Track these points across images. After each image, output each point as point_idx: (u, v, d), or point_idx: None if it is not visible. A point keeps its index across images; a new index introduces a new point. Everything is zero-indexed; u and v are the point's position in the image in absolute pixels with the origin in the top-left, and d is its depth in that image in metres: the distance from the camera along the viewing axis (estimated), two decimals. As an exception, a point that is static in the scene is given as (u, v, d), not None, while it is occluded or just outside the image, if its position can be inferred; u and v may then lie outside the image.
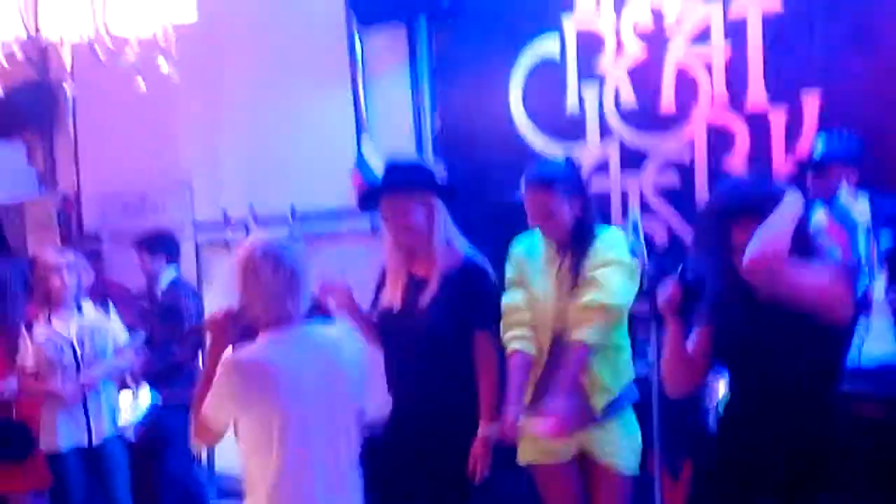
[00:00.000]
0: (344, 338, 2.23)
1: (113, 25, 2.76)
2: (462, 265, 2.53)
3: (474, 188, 3.97)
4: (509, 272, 2.65)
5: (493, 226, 3.44)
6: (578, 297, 2.46)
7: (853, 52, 3.18)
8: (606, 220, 3.65)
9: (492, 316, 2.53)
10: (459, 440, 2.48)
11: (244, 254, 2.10)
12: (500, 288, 2.62)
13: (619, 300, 2.47)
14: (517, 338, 2.54)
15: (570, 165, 2.68)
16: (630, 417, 2.61)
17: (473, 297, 2.50)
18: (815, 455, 2.07)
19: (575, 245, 2.51)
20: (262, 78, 4.69)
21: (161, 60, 2.80)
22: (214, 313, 2.20)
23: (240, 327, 2.15)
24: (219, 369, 2.07)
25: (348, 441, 2.17)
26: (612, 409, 2.52)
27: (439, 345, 2.48)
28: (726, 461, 2.19)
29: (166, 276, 4.33)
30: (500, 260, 3.10)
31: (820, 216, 2.95)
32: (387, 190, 2.58)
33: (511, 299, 2.59)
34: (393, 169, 2.64)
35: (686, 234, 3.50)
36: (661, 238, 3.58)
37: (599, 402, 2.50)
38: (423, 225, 2.52)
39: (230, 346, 2.16)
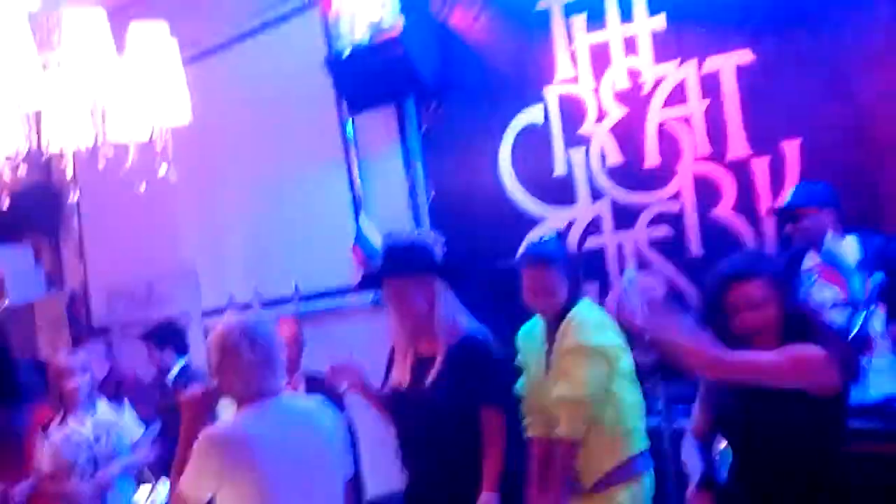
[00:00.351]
0: (319, 408, 2.31)
1: (112, 133, 2.87)
2: (462, 341, 2.57)
3: (469, 255, 4.06)
4: (519, 356, 2.78)
5: (489, 292, 3.53)
6: (552, 389, 2.55)
7: (829, 100, 3.29)
8: (603, 277, 3.76)
9: (495, 390, 2.57)
10: None
11: (222, 332, 2.18)
12: (503, 360, 2.67)
13: (584, 391, 2.51)
14: (528, 424, 2.67)
15: (563, 243, 2.77)
16: (634, 490, 2.58)
17: (475, 373, 2.54)
18: None
19: (558, 324, 2.60)
20: (259, 166, 4.84)
21: (160, 164, 2.89)
22: (193, 391, 2.28)
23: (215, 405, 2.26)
24: (196, 445, 2.11)
25: None
26: (604, 484, 2.53)
27: (445, 421, 2.52)
28: None
29: (176, 366, 4.39)
30: (496, 327, 3.18)
31: (809, 261, 3.03)
32: (386, 274, 2.64)
33: (518, 385, 2.73)
34: (391, 252, 2.71)
35: (682, 283, 3.56)
36: (659, 290, 3.64)
37: (589, 481, 2.54)
38: (424, 306, 2.58)
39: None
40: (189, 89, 2.94)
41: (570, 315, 2.58)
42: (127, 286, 5.54)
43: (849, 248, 3.00)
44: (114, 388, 4.17)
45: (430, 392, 2.54)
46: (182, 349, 4.45)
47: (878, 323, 2.93)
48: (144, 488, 3.88)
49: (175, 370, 4.40)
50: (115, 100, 2.81)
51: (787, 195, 3.11)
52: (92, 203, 5.70)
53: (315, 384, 3.60)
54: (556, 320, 2.61)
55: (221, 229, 5.06)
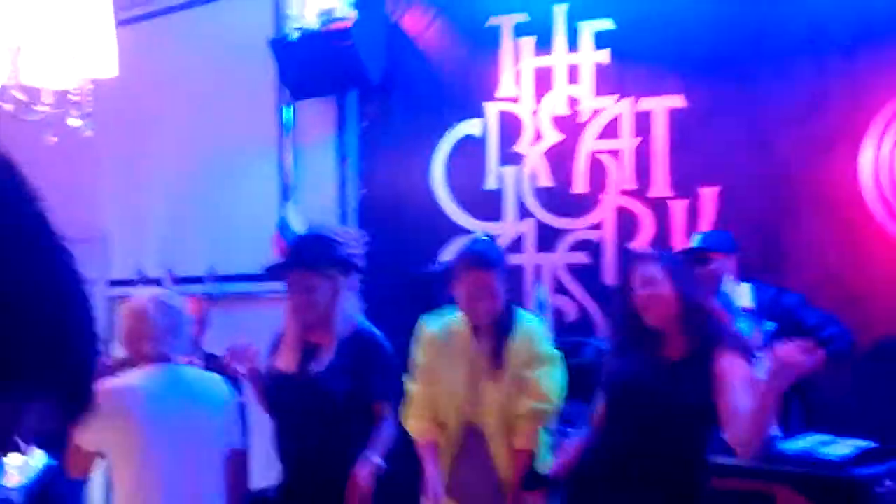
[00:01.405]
0: (212, 380, 2.50)
1: (27, 74, 2.71)
2: (357, 333, 2.58)
3: (394, 258, 4.09)
4: (419, 355, 2.67)
5: (411, 296, 3.56)
6: (518, 404, 2.51)
7: (749, 152, 3.48)
8: (518, 296, 3.84)
9: (390, 385, 2.58)
10: None
11: (136, 302, 2.41)
12: (398, 360, 2.67)
13: (557, 402, 2.57)
14: (421, 428, 2.63)
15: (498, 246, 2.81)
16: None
17: (370, 366, 2.54)
18: None
19: (497, 330, 2.56)
20: (188, 139, 4.72)
21: (73, 114, 2.78)
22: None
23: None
24: None
25: (209, 478, 2.39)
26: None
27: (332, 410, 2.51)
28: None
29: None
30: (398, 330, 3.21)
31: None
32: (294, 265, 2.64)
33: (416, 388, 2.66)
34: (299, 244, 2.71)
35: (593, 310, 3.68)
36: (570, 314, 3.75)
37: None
38: (327, 300, 2.58)
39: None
40: (128, 49, 2.85)
41: (518, 322, 2.58)
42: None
43: (743, 295, 3.17)
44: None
45: (318, 378, 2.53)
46: None
47: (761, 371, 3.10)
48: (15, 456, 3.72)
49: None
50: (35, 39, 2.65)
51: (695, 238, 3.25)
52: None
53: (214, 364, 3.55)
54: (492, 327, 2.56)
55: (140, 199, 4.92)
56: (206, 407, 2.41)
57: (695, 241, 3.21)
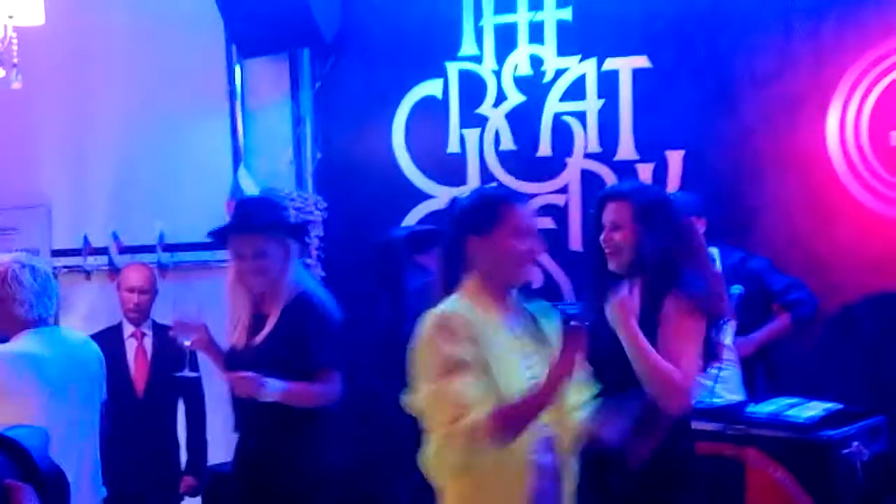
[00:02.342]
0: (87, 340, 2.66)
1: None
2: (297, 298, 2.45)
3: (353, 223, 3.97)
4: (461, 348, 1.80)
5: (374, 263, 3.45)
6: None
7: (716, 115, 3.42)
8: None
9: (329, 352, 2.44)
10: (295, 481, 2.42)
11: (4, 267, 2.39)
12: (338, 321, 2.52)
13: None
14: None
15: None
16: None
17: (307, 333, 2.42)
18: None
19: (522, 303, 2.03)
20: (134, 100, 4.48)
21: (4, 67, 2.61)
22: None
23: None
24: None
25: (92, 434, 2.53)
26: None
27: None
28: None
29: None
30: (376, 296, 3.11)
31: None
32: (241, 229, 2.51)
33: (471, 383, 1.78)
34: (248, 206, 2.60)
35: (559, 275, 3.62)
36: (535, 280, 3.68)
37: None
38: (276, 265, 2.46)
39: None
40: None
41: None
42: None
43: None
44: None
45: (260, 349, 2.44)
46: None
47: (728, 334, 3.09)
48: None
49: None
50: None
51: None
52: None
53: (164, 334, 3.42)
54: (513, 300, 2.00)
55: (84, 163, 4.67)
56: (86, 364, 2.52)
57: None
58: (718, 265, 3.12)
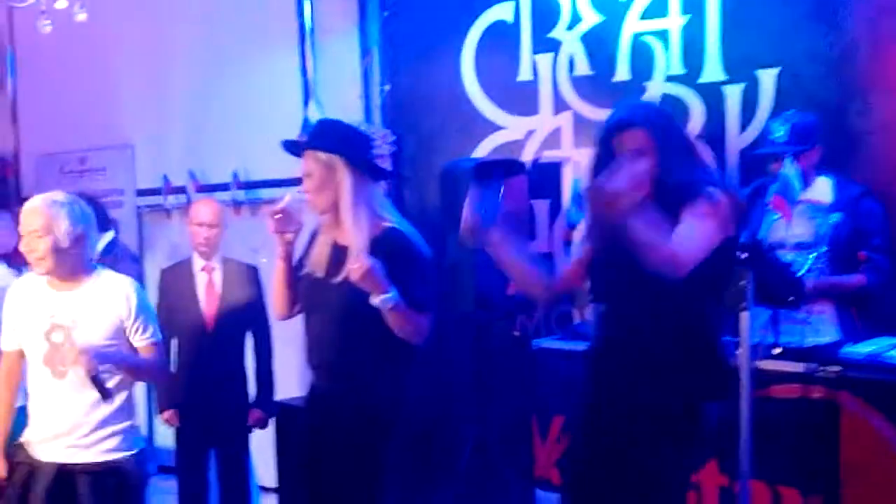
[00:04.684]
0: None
1: None
2: (386, 233, 2.34)
3: (422, 156, 3.86)
4: None
5: (441, 193, 3.34)
6: None
7: (812, 28, 3.09)
8: (556, 194, 3.59)
9: (418, 288, 2.31)
10: (370, 422, 2.33)
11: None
12: (430, 260, 2.42)
13: None
14: None
15: None
16: None
17: (399, 271, 2.26)
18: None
19: None
20: (207, 41, 4.50)
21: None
22: None
23: None
24: None
25: None
26: None
27: (355, 318, 2.31)
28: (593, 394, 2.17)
29: (103, 239, 4.06)
30: (444, 229, 2.99)
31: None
32: (302, 146, 2.41)
33: None
34: (320, 126, 2.50)
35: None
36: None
37: None
38: (324, 187, 2.33)
39: None
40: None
41: None
42: (59, 156, 5.21)
43: (821, 189, 2.85)
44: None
45: (343, 285, 2.33)
46: (104, 226, 4.12)
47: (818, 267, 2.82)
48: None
49: (102, 243, 4.06)
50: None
51: (778, 129, 2.86)
52: (29, 65, 5.33)
53: (233, 268, 3.43)
54: None
55: (162, 106, 4.73)
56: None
57: (778, 134, 2.84)
58: (832, 196, 2.84)
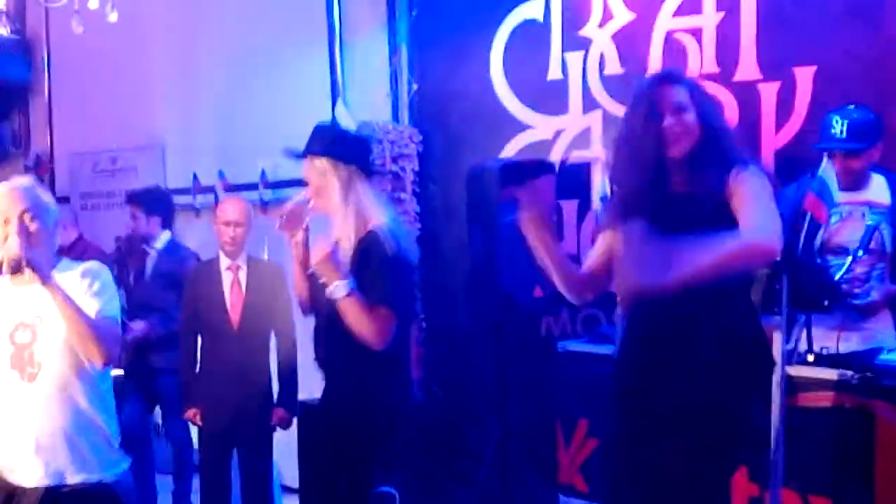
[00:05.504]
0: None
1: None
2: (368, 233, 2.35)
3: (449, 155, 3.82)
4: None
5: (468, 192, 3.29)
6: None
7: (850, 25, 2.99)
8: (585, 194, 3.53)
9: (385, 290, 2.29)
10: (356, 422, 2.36)
11: None
12: (400, 261, 2.35)
13: None
14: None
15: None
16: None
17: (366, 268, 2.30)
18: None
19: None
20: (237, 41, 4.52)
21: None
22: None
23: None
24: None
25: None
26: None
27: (341, 320, 2.31)
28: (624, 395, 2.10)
29: (163, 238, 4.07)
30: (469, 229, 2.95)
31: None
32: (303, 152, 2.51)
33: None
34: (315, 132, 2.52)
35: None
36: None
37: None
38: (320, 191, 2.41)
39: None
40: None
41: None
42: (91, 155, 5.27)
43: (877, 188, 2.75)
44: (79, 255, 3.89)
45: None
46: (168, 224, 4.10)
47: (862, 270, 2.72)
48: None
49: (161, 241, 4.05)
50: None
51: (837, 122, 2.74)
52: (63, 66, 5.41)
53: (259, 267, 3.42)
54: None
55: (193, 106, 4.77)
56: None
57: (838, 129, 2.72)
58: (888, 196, 2.73)
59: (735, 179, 1.94)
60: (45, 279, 2.02)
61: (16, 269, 2.01)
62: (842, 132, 2.73)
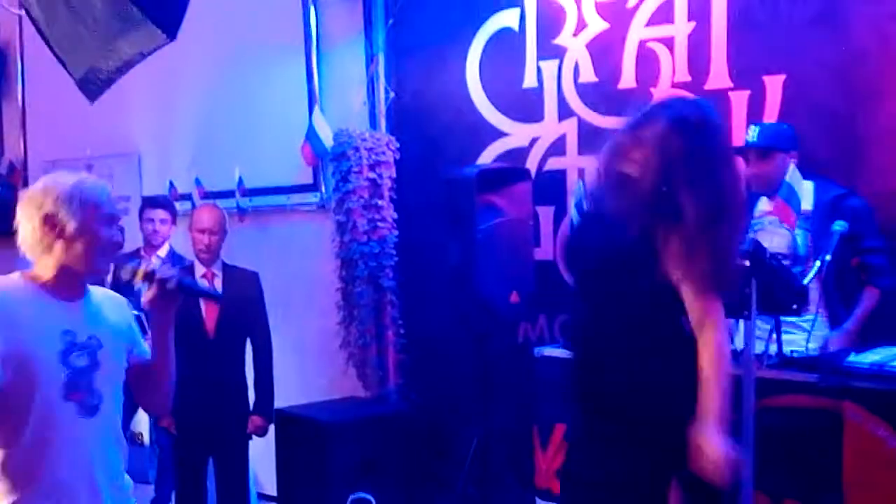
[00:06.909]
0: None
1: None
2: None
3: (426, 162, 3.84)
4: None
5: (445, 201, 3.32)
6: None
7: (819, 35, 3.06)
8: (560, 201, 3.56)
9: None
10: None
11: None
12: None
13: None
14: None
15: None
16: None
17: None
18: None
19: None
20: (214, 48, 4.51)
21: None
22: None
23: None
24: None
25: None
26: None
27: None
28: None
29: (165, 247, 4.04)
30: (446, 235, 2.97)
31: (763, 206, 2.85)
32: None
33: None
34: None
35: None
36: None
37: None
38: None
39: None
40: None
41: None
42: (66, 163, 5.22)
43: (803, 195, 2.81)
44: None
45: None
46: None
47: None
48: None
49: (164, 250, 3.98)
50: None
51: (752, 132, 2.86)
52: (37, 71, 5.36)
53: (234, 274, 3.41)
54: None
55: (169, 113, 4.75)
56: None
57: (752, 136, 2.84)
58: (812, 201, 2.80)
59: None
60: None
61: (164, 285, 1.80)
62: (753, 136, 2.83)
